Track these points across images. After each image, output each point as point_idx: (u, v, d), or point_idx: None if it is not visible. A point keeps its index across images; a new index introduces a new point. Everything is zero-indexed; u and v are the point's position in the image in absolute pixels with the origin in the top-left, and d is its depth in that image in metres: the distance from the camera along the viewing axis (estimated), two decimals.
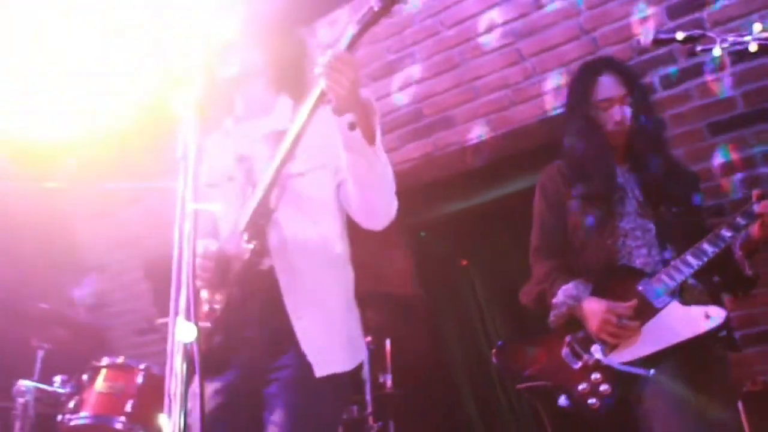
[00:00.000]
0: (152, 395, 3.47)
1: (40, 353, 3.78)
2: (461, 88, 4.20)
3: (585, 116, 2.81)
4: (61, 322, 3.96)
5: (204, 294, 2.18)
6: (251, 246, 2.07)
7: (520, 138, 4.04)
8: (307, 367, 2.06)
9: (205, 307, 2.18)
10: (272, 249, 2.13)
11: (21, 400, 3.46)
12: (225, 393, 2.13)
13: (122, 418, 3.33)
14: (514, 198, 4.06)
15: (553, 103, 3.91)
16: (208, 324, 2.14)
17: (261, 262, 2.11)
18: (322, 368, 2.06)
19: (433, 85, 4.28)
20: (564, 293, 2.66)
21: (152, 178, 5.07)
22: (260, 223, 2.08)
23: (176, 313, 1.23)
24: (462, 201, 4.41)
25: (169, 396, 1.21)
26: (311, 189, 2.19)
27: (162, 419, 1.16)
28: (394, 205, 2.16)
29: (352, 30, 1.90)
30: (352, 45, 1.90)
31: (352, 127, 1.92)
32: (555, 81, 3.91)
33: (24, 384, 3.50)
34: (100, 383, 3.45)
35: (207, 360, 1.93)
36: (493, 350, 2.86)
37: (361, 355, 2.25)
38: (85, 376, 3.49)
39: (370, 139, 1.97)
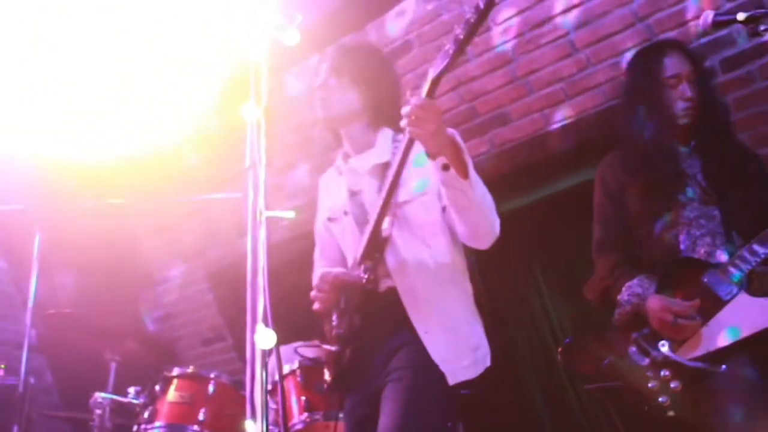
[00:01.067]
0: (223, 403, 3.52)
1: (113, 366, 3.88)
2: (515, 84, 4.16)
3: (651, 97, 2.75)
4: (131, 335, 4.04)
5: (328, 317, 2.43)
6: (366, 275, 2.30)
7: (577, 130, 3.99)
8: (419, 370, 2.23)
9: (333, 331, 2.42)
10: (392, 271, 2.33)
11: (98, 411, 3.56)
12: (367, 404, 2.31)
13: (195, 427, 3.38)
14: (576, 191, 4.00)
15: (609, 94, 3.85)
16: (334, 347, 2.41)
17: (378, 286, 2.33)
18: (452, 377, 2.22)
19: (486, 83, 4.25)
20: (628, 291, 2.61)
21: (210, 190, 5.16)
22: (375, 252, 2.31)
23: (254, 320, 1.24)
24: (522, 197, 4.37)
25: (251, 402, 1.22)
26: (419, 214, 2.37)
27: (248, 425, 1.17)
28: (496, 225, 2.31)
29: (431, 75, 2.08)
30: (432, 91, 2.08)
31: (446, 168, 2.10)
32: (610, 71, 3.85)
33: (100, 396, 3.60)
34: (172, 393, 3.50)
35: (342, 378, 2.35)
36: (560, 349, 2.84)
37: (486, 362, 2.36)
38: (157, 387, 3.55)
39: (464, 174, 2.12)
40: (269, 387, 3.40)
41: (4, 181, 5.41)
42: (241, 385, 3.82)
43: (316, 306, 2.42)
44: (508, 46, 4.12)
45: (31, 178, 4.81)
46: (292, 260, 4.66)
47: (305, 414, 3.21)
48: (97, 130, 4.99)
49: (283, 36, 1.55)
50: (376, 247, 2.30)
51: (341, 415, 2.42)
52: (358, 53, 2.62)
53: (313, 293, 2.41)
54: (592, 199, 2.95)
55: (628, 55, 3.63)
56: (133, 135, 5.12)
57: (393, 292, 2.33)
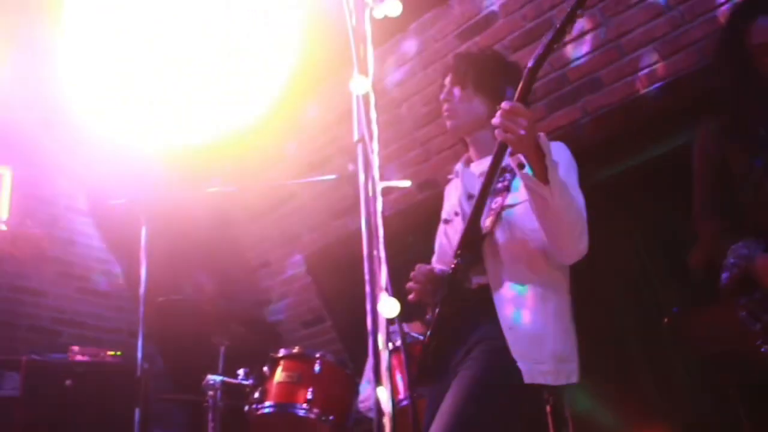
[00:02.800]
0: (329, 382, 3.59)
1: (222, 349, 4.01)
2: (605, 48, 4.06)
3: (739, 61, 2.64)
4: (237, 320, 4.17)
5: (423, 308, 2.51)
6: (455, 264, 2.35)
7: (674, 92, 3.86)
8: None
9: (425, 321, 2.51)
10: (487, 268, 2.36)
11: (210, 393, 3.69)
12: (443, 395, 2.30)
13: (304, 405, 3.46)
14: (674, 155, 3.90)
15: (705, 52, 3.71)
16: (423, 337, 2.48)
17: (470, 282, 2.39)
18: (528, 376, 2.21)
19: (576, 48, 4.16)
20: (734, 254, 2.52)
21: (303, 174, 5.26)
22: (470, 247, 2.34)
23: (374, 290, 1.26)
24: (619, 163, 4.28)
25: (376, 370, 1.25)
26: (521, 219, 2.37)
27: (380, 392, 1.20)
28: (581, 242, 2.28)
29: (522, 80, 2.14)
30: (523, 96, 2.13)
31: (521, 167, 2.13)
32: (707, 27, 3.70)
33: (212, 378, 3.73)
34: (280, 373, 3.60)
35: (426, 368, 2.41)
36: (666, 319, 2.77)
37: (572, 379, 2.33)
38: (265, 368, 3.65)
39: (544, 179, 2.10)
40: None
41: (109, 177, 5.67)
42: (344, 363, 3.89)
43: (410, 297, 2.48)
44: (596, 10, 4.01)
45: (133, 172, 5.01)
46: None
47: (404, 394, 3.24)
48: (189, 119, 5.13)
49: (384, 6, 1.55)
50: (472, 242, 2.33)
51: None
52: (479, 61, 2.65)
53: (408, 284, 2.48)
54: (691, 164, 2.85)
55: (726, 9, 3.50)
56: (223, 121, 5.24)
57: (484, 289, 2.36)
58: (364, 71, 1.43)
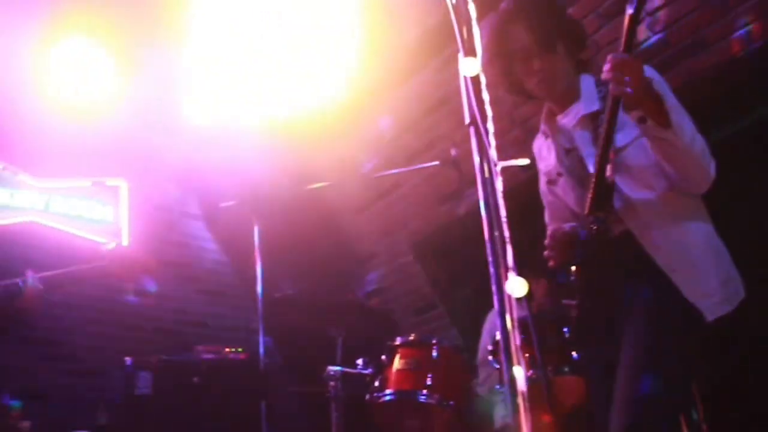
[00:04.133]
0: (447, 367, 3.59)
1: (339, 340, 4.08)
2: (707, 7, 3.88)
3: None
4: (351, 311, 4.24)
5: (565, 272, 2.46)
6: (596, 226, 2.29)
7: None
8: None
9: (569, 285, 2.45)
10: (622, 215, 2.31)
11: (332, 383, 3.76)
12: (611, 351, 2.30)
13: (425, 392, 3.48)
14: None
15: None
16: (572, 301, 2.44)
17: (610, 232, 2.31)
18: (710, 313, 2.19)
19: (675, 10, 4.00)
20: None
21: (405, 162, 5.28)
22: (603, 202, 2.27)
23: (499, 270, 1.25)
24: (727, 125, 4.09)
25: (506, 351, 1.24)
26: (639, 157, 2.32)
27: (516, 371, 1.19)
28: (710, 168, 2.25)
29: (624, 28, 2.06)
30: (628, 46, 2.05)
31: (642, 120, 2.09)
32: None
33: (332, 369, 3.80)
34: (398, 361, 3.62)
35: (583, 330, 2.40)
36: None
37: (740, 294, 2.30)
38: (383, 357, 3.69)
39: (665, 123, 2.07)
40: (489, 347, 3.45)
41: (219, 181, 5.86)
42: (460, 348, 3.90)
43: (550, 263, 2.45)
44: None
45: (241, 174, 5.15)
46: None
47: (530, 371, 3.20)
48: (291, 113, 5.24)
49: None
50: (603, 196, 2.27)
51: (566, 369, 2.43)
52: (545, 12, 2.55)
53: (546, 252, 2.45)
54: None
55: None
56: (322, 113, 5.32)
57: (627, 234, 2.31)
58: (470, 52, 1.41)
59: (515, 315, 1.24)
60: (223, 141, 5.67)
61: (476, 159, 1.37)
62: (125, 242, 5.84)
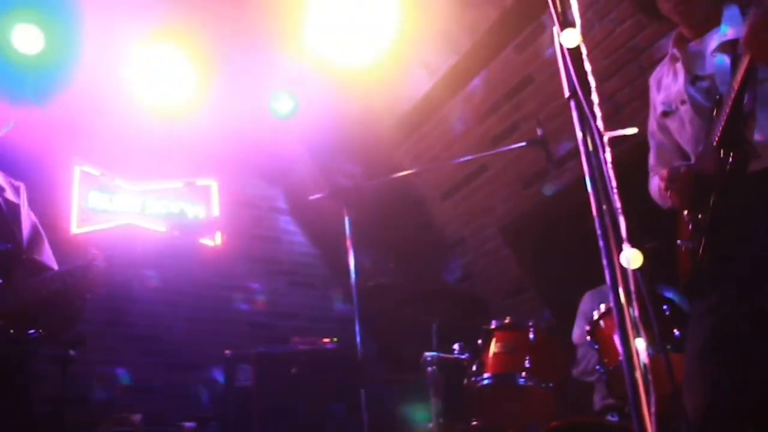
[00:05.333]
0: (545, 349, 3.54)
1: (434, 326, 4.08)
2: None
3: None
4: (443, 297, 4.24)
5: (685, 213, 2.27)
6: (730, 157, 2.10)
7: None
8: None
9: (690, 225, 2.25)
10: (761, 150, 2.14)
11: (429, 369, 3.77)
12: (718, 312, 2.16)
13: (523, 374, 3.45)
14: None
15: None
16: (689, 243, 2.22)
17: (745, 168, 2.13)
18: None
19: None
20: None
21: (490, 147, 5.24)
22: (736, 133, 2.10)
23: (610, 244, 1.23)
24: None
25: (620, 326, 1.22)
26: None
27: (638, 342, 1.17)
28: None
29: None
30: None
31: None
32: None
33: (429, 355, 3.80)
34: (495, 345, 3.60)
35: (693, 280, 2.18)
36: None
37: None
38: (479, 341, 3.68)
39: None
40: (587, 327, 3.39)
41: (303, 176, 5.96)
42: (555, 330, 3.84)
43: (669, 203, 2.32)
44: None
45: (325, 167, 5.24)
46: (576, 206, 4.59)
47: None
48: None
49: None
50: (737, 127, 2.10)
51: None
52: None
53: (668, 189, 2.30)
54: None
55: None
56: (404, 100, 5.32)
57: (765, 174, 2.14)
58: (566, 24, 1.39)
59: (632, 288, 1.21)
60: (308, 135, 5.76)
61: (578, 132, 1.34)
62: (218, 240, 6.00)
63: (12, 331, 2.76)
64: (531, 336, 3.54)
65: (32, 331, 2.84)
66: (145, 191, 5.95)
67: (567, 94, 1.38)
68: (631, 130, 1.85)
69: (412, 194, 6.02)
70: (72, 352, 4.32)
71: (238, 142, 6.03)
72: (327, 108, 5.58)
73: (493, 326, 3.67)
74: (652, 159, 2.65)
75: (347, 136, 5.60)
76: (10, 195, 3.06)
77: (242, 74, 5.25)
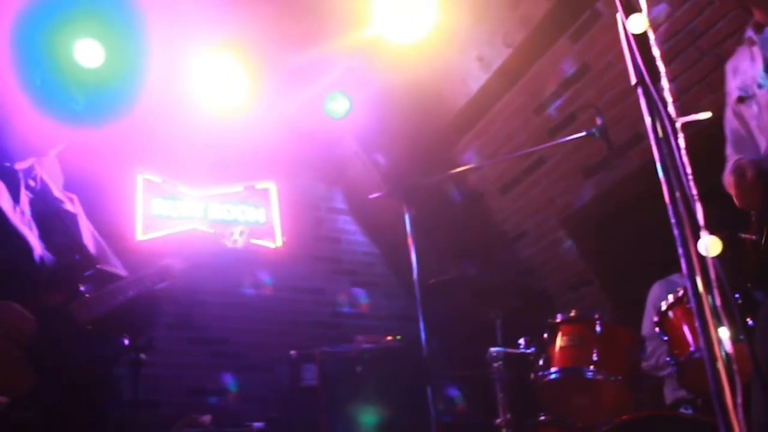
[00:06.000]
0: (612, 342, 3.49)
1: (498, 322, 4.06)
2: None
3: None
4: (506, 292, 4.21)
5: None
6: None
7: None
8: None
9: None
10: None
11: (495, 365, 3.75)
12: None
13: (591, 368, 3.39)
14: None
15: None
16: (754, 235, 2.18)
17: None
18: None
19: None
20: None
21: (548, 139, 5.18)
22: None
23: (685, 230, 1.20)
24: None
25: (699, 315, 1.19)
26: None
27: (721, 332, 1.14)
28: None
29: None
30: None
31: None
32: None
33: (494, 350, 3.79)
34: (561, 338, 3.56)
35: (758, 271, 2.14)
36: None
37: None
38: (545, 335, 3.64)
39: None
40: (655, 318, 3.32)
41: (360, 175, 5.98)
42: (620, 322, 3.78)
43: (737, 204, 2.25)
44: None
45: (382, 165, 5.25)
46: (639, 195, 4.51)
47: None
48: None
49: None
50: None
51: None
52: None
53: (735, 181, 2.25)
54: None
55: None
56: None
57: None
58: (632, 9, 1.36)
59: (711, 275, 1.17)
60: (365, 135, 5.78)
61: (647, 119, 1.31)
62: (279, 242, 6.07)
63: (99, 337, 2.84)
64: (598, 329, 3.48)
65: (121, 339, 2.92)
66: (207, 196, 6.06)
67: (633, 81, 1.35)
68: (704, 115, 1.80)
69: (470, 189, 5.99)
70: (143, 356, 4.45)
71: (295, 144, 6.10)
72: (382, 107, 5.60)
73: (558, 320, 3.62)
74: (728, 148, 2.58)
75: (404, 134, 5.60)
76: (69, 206, 3.14)
77: (297, 76, 5.29)
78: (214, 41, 4.98)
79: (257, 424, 4.95)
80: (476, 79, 5.27)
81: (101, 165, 4.98)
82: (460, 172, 4.27)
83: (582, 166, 5.19)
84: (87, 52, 4.60)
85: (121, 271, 3.21)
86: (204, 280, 5.57)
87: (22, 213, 2.93)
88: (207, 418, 4.82)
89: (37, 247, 2.85)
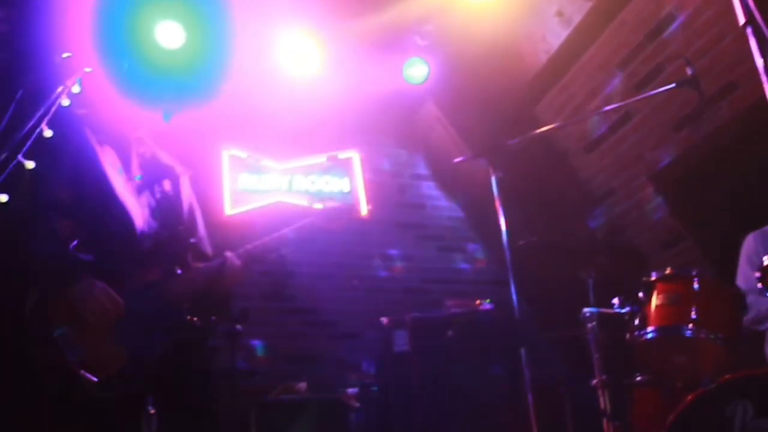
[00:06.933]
0: (712, 299, 3.37)
1: (590, 282, 4.00)
2: None
3: None
4: (597, 252, 4.15)
5: None
6: None
7: None
8: None
9: None
10: None
11: (589, 325, 3.70)
12: None
13: (690, 326, 3.29)
14: None
15: None
16: None
17: None
18: None
19: None
20: None
21: (633, 94, 5.02)
22: None
23: None
24: None
25: None
26: None
27: None
28: None
29: None
30: None
31: None
32: None
33: (587, 311, 3.73)
34: (657, 297, 3.46)
35: None
36: None
37: None
38: (640, 294, 3.55)
39: None
40: (757, 273, 3.19)
41: (444, 137, 5.94)
42: (719, 277, 3.66)
43: None
44: None
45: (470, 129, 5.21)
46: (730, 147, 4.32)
47: None
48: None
49: None
50: None
51: None
52: None
53: None
54: None
55: None
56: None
57: None
58: None
59: None
60: (445, 99, 5.74)
61: (757, 59, 1.24)
62: (364, 211, 6.09)
63: (195, 317, 2.94)
64: (695, 286, 3.37)
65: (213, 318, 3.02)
66: (291, 169, 6.14)
67: (741, 21, 1.28)
68: None
69: (555, 149, 5.88)
70: (238, 327, 4.57)
71: (375, 112, 6.10)
72: (462, 69, 5.53)
73: (653, 278, 3.52)
74: None
75: (485, 96, 5.52)
76: (178, 170, 3.24)
77: (374, 43, 5.27)
78: (292, 12, 5.00)
79: (351, 390, 5.04)
80: (556, 35, 5.15)
81: (188, 144, 5.09)
82: (544, 131, 4.17)
83: (670, 119, 5.01)
84: (168, 34, 4.68)
85: (207, 249, 3.29)
86: (292, 252, 5.65)
87: (132, 179, 3.04)
88: (302, 385, 4.94)
89: (139, 219, 2.95)
